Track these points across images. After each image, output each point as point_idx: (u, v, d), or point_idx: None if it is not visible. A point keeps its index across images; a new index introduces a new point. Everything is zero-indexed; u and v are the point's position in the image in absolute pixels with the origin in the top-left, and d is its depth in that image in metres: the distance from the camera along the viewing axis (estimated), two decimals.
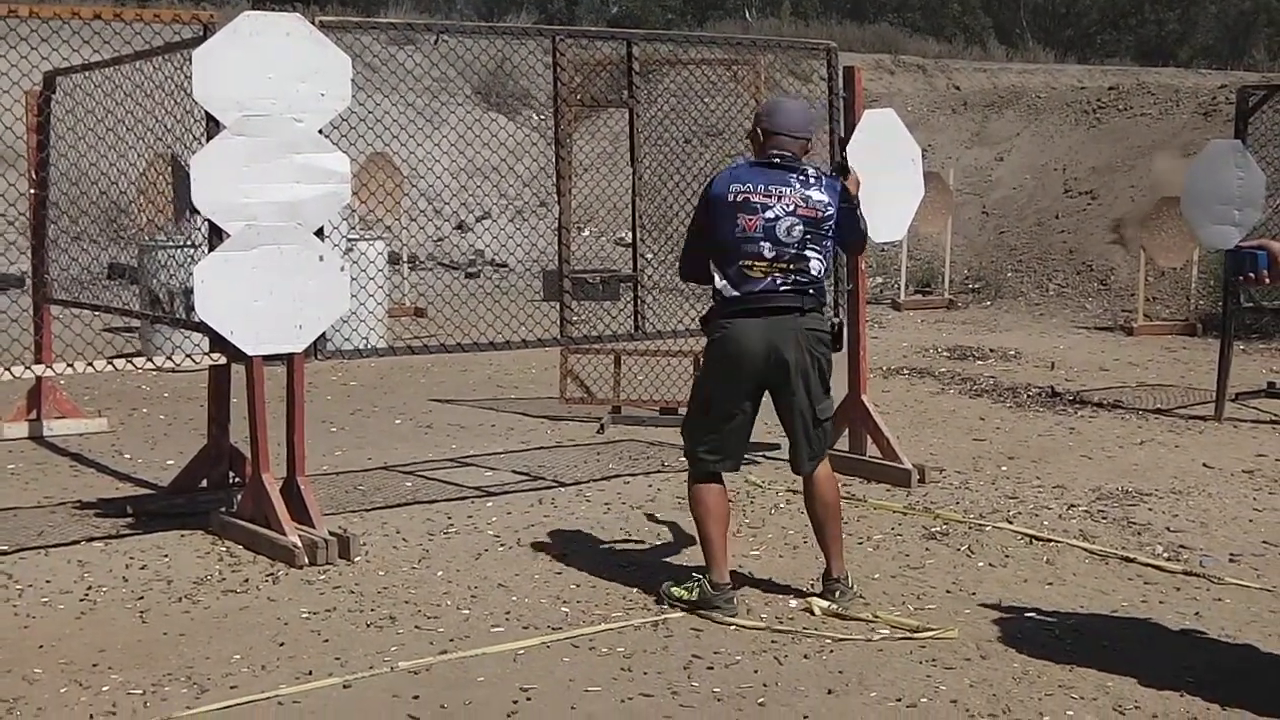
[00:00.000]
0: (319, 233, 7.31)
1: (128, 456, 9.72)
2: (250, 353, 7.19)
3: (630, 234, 9.15)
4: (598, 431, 10.51)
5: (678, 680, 5.49)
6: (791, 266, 6.30)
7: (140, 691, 5.39)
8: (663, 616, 6.21)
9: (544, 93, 27.05)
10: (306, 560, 6.96)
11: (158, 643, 5.94)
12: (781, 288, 6.29)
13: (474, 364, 13.52)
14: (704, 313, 6.54)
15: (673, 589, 6.42)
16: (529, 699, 5.30)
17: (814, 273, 6.37)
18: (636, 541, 7.52)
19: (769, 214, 6.27)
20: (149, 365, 7.50)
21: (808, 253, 6.32)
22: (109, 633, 6.07)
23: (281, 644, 5.90)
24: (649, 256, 9.43)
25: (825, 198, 6.38)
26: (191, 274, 8.11)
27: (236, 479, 8.14)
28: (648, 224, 9.39)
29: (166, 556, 7.18)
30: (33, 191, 9.96)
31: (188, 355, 7.46)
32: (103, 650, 5.83)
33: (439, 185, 19.91)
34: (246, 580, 6.79)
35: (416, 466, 9.24)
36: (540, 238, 20.99)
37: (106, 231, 10.37)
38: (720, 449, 6.44)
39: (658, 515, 7.99)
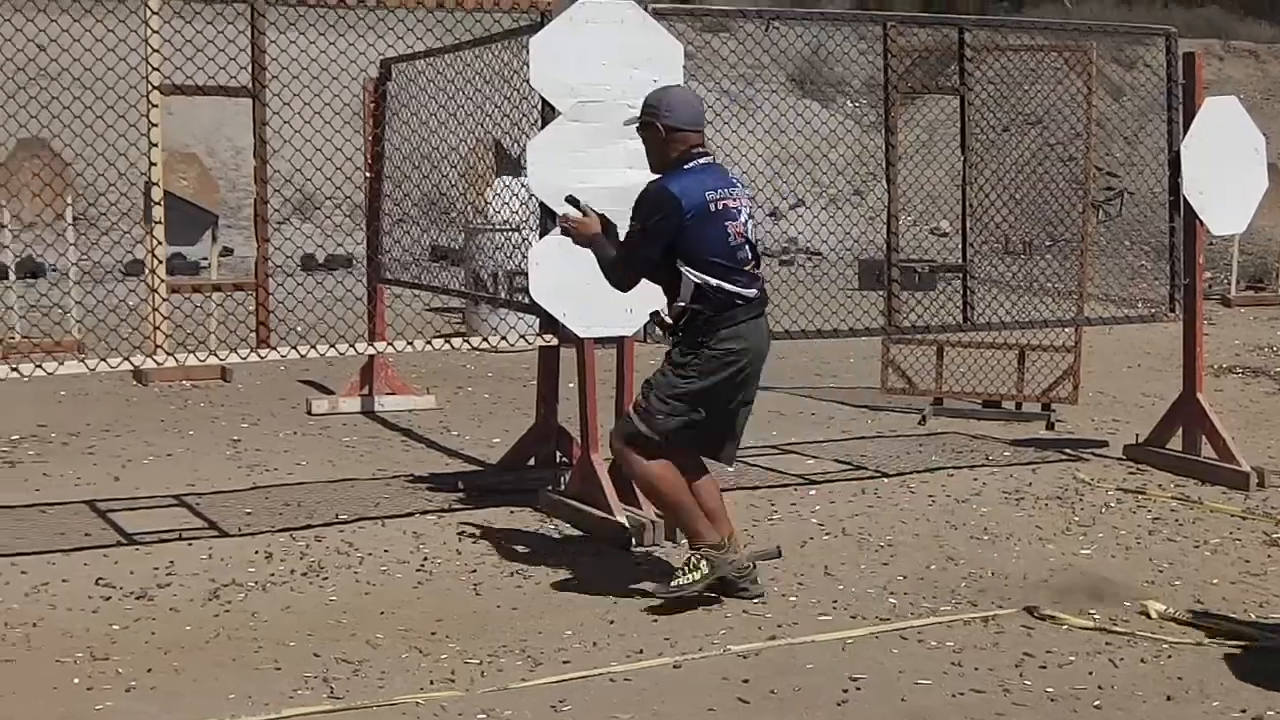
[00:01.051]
0: None
1: (455, 433, 9.99)
2: (582, 335, 7.31)
3: (949, 224, 9.03)
4: (919, 423, 10.41)
5: (1009, 678, 5.39)
6: (759, 267, 6.39)
7: (477, 661, 5.53)
8: (993, 613, 6.09)
9: (858, 79, 26.88)
10: (633, 540, 7.05)
11: (491, 614, 6.10)
12: (762, 288, 6.35)
13: (791, 351, 13.41)
14: (678, 313, 6.21)
15: (675, 581, 6.21)
16: (859, 689, 5.27)
17: (760, 268, 6.45)
18: (961, 536, 7.40)
19: (742, 218, 6.25)
20: (483, 345, 7.66)
21: (757, 250, 6.39)
22: (445, 602, 6.26)
23: (611, 621, 5.98)
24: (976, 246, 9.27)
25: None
26: (513, 257, 8.32)
27: (563, 458, 8.28)
28: (956, 213, 9.23)
29: (497, 532, 7.35)
30: (368, 176, 10.30)
31: (521, 336, 7.61)
32: (440, 619, 6.02)
33: (752, 172, 19.94)
34: (576, 558, 6.91)
35: (738, 451, 9.24)
36: (854, 226, 20.90)
37: (429, 214, 10.67)
38: (692, 440, 6.33)
39: (982, 510, 7.85)
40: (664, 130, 6.22)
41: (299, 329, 8.05)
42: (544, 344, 7.75)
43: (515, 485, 8.14)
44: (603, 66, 7.18)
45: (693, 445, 6.36)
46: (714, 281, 6.12)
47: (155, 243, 6.78)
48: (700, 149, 6.27)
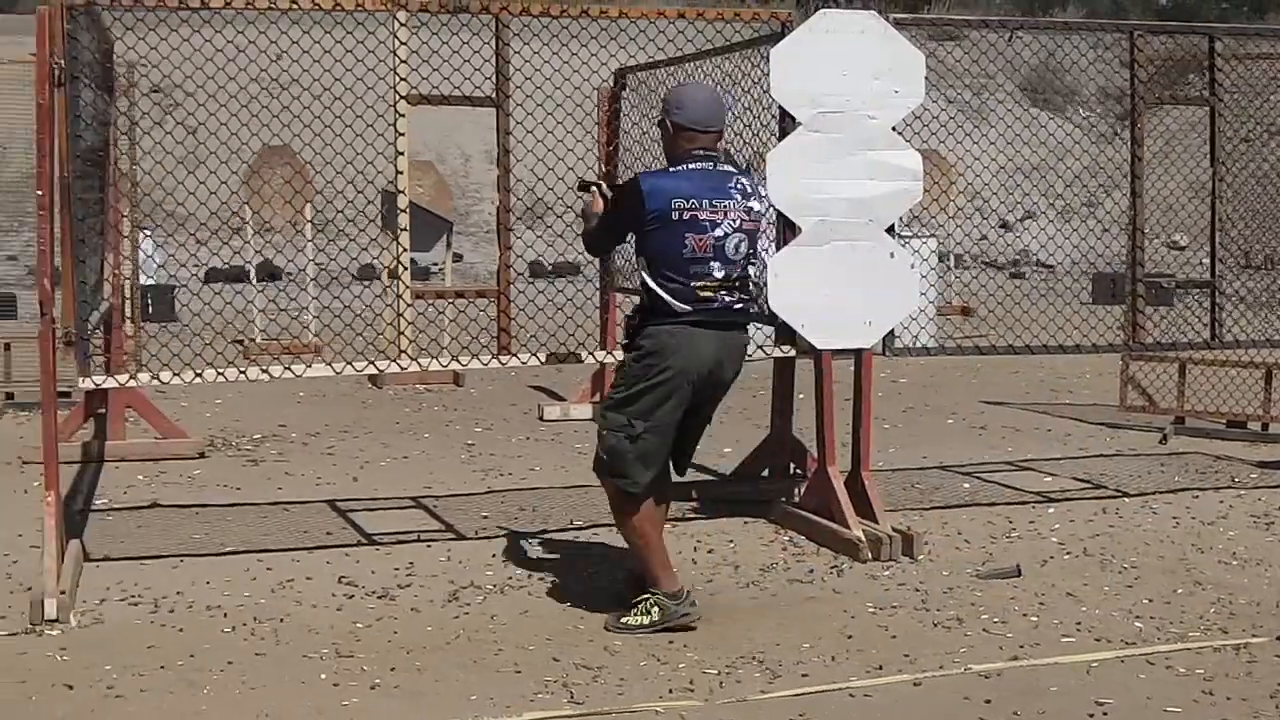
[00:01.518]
0: (889, 229, 7.32)
1: None
2: (820, 347, 7.28)
3: (1186, 237, 8.78)
4: (1160, 442, 10.15)
5: (1264, 709, 5.20)
6: (738, 284, 6.05)
7: (714, 671, 5.53)
8: (1245, 641, 5.90)
9: (1090, 89, 26.39)
10: (870, 555, 7.00)
11: (727, 625, 6.08)
12: (732, 305, 6.04)
13: (1024, 366, 13.30)
14: (631, 314, 6.14)
15: (625, 619, 6.03)
16: (1105, 714, 5.14)
17: (753, 287, 6.21)
18: (1208, 560, 7.19)
19: (718, 232, 5.94)
20: None
21: (749, 268, 6.10)
22: None
23: (850, 636, 5.94)
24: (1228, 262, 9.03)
25: (761, 206, 6.17)
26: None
27: (798, 470, 8.25)
28: (1194, 226, 8.99)
29: (732, 542, 7.36)
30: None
31: (759, 346, 7.60)
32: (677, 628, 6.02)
33: (980, 183, 19.70)
34: (811, 571, 6.88)
35: (973, 467, 9.16)
36: (1083, 239, 20.49)
37: None
38: (651, 466, 6.11)
39: (1229, 534, 7.62)
40: (672, 127, 6.06)
41: (536, 336, 8.14)
42: (780, 355, 7.72)
43: (749, 496, 8.12)
44: (843, 77, 7.13)
45: (650, 468, 6.10)
46: (654, 286, 5.94)
47: (401, 249, 6.91)
48: (704, 149, 6.01)
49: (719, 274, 5.94)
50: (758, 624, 6.10)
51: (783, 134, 7.39)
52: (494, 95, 7.18)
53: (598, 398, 10.88)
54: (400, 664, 5.60)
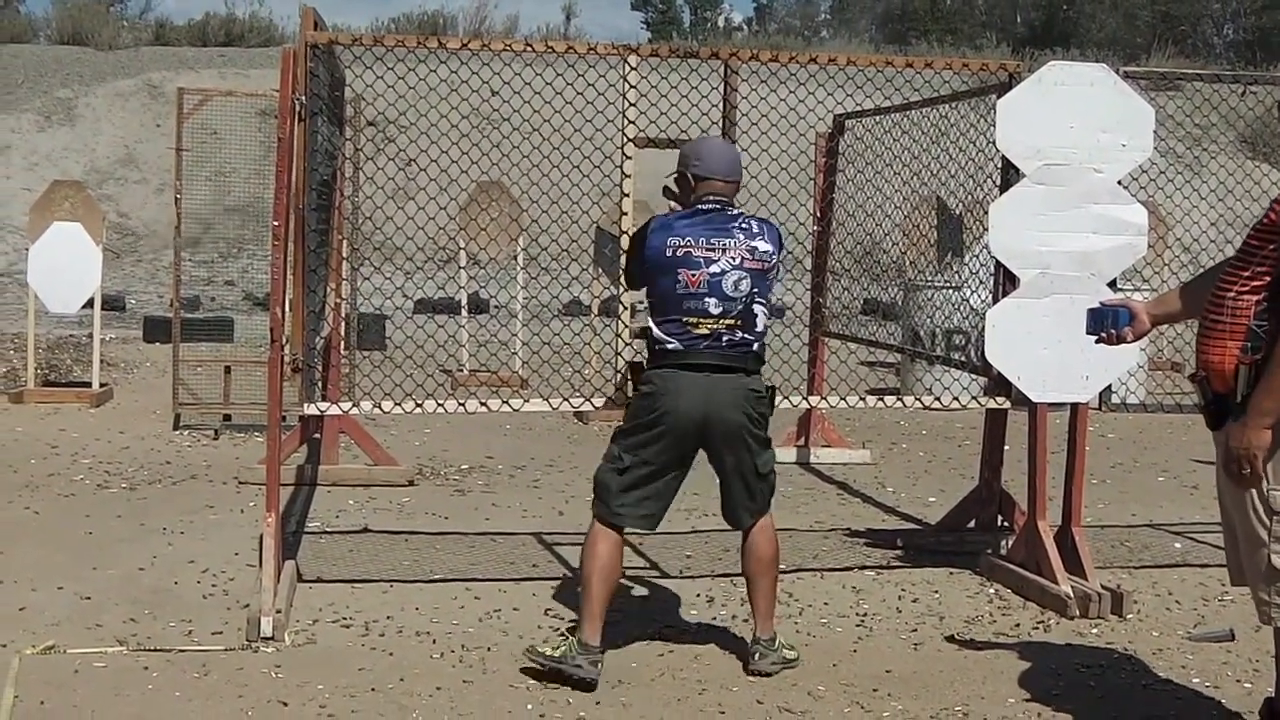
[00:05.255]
0: (1110, 284, 7.23)
1: (890, 489, 9.98)
2: (1036, 399, 7.21)
3: None
4: None
5: None
6: (738, 323, 5.89)
7: None
8: None
9: None
10: (1078, 612, 6.89)
11: (933, 676, 6.04)
12: (727, 345, 5.87)
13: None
14: (634, 359, 6.12)
15: (537, 646, 5.96)
16: None
17: (759, 328, 5.96)
18: None
19: (714, 269, 5.84)
20: (933, 404, 7.63)
21: (755, 307, 5.93)
22: (885, 660, 6.24)
23: (1056, 694, 5.85)
24: None
25: (770, 247, 5.96)
26: (951, 315, 8.26)
27: (1005, 523, 8.15)
28: None
29: (937, 593, 7.30)
30: (816, 229, 10.39)
31: (974, 397, 7.55)
32: (880, 677, 6.01)
33: (1192, 236, 19.30)
34: (1017, 625, 6.80)
35: (1184, 527, 8.96)
36: None
37: (861, 266, 10.68)
38: (630, 501, 6.00)
39: None
40: (693, 180, 6.05)
41: None
42: (993, 406, 7.66)
43: (955, 547, 8.05)
44: (1070, 130, 7.07)
45: (634, 504, 6.04)
46: (652, 326, 5.96)
47: (622, 289, 7.00)
48: (715, 195, 6.00)
49: (715, 310, 5.87)
50: (962, 676, 6.04)
51: (1005, 185, 7.34)
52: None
53: (802, 441, 10.90)
54: (605, 700, 5.66)
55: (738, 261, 5.89)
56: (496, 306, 18.58)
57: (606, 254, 12.63)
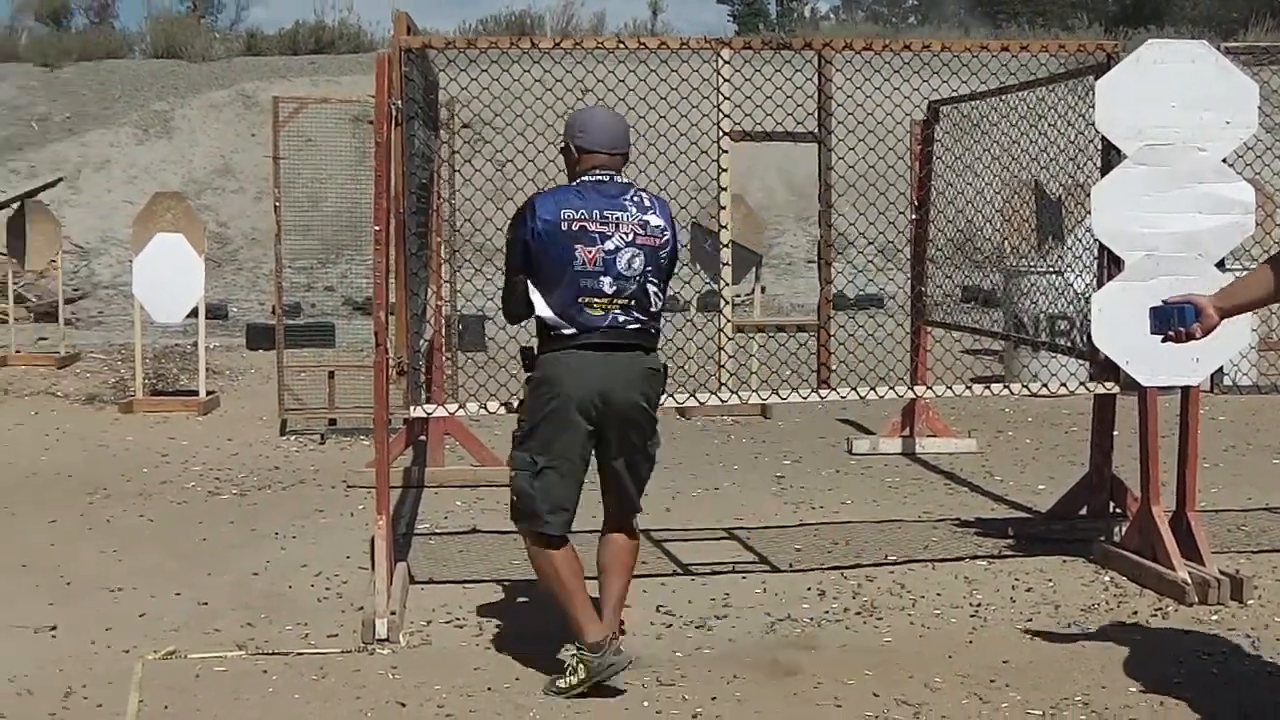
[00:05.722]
0: (1219, 264, 7.13)
1: (998, 478, 9.90)
2: (1145, 383, 7.12)
3: None
4: None
5: None
6: (633, 302, 5.67)
7: (1039, 712, 5.45)
8: None
9: None
10: (1196, 599, 6.80)
11: (1049, 665, 5.98)
12: (625, 325, 5.65)
13: None
14: (526, 345, 5.82)
15: (557, 682, 5.68)
16: None
17: (654, 308, 5.72)
18: None
19: (609, 244, 5.61)
20: (1041, 390, 7.54)
21: (649, 286, 5.70)
22: (1001, 650, 6.19)
23: (1177, 682, 5.76)
24: None
25: (662, 222, 5.73)
26: (1055, 300, 8.17)
27: (1117, 509, 8.06)
28: None
29: (1050, 581, 7.23)
30: (914, 217, 10.32)
31: (1081, 383, 7.46)
32: (997, 667, 5.95)
33: None
34: (1135, 613, 6.71)
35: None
36: None
37: (961, 254, 10.59)
38: (558, 503, 5.79)
39: None
40: (576, 151, 5.80)
41: (851, 368, 8.11)
42: (1102, 391, 7.57)
43: (1066, 535, 7.96)
44: (1172, 108, 6.98)
45: (558, 507, 5.82)
46: (542, 309, 5.69)
47: (724, 284, 6.99)
48: (601, 169, 5.75)
49: (610, 289, 5.63)
50: (1081, 666, 5.97)
51: (1106, 167, 7.26)
52: (815, 131, 7.21)
53: (907, 432, 10.84)
54: (721, 694, 5.65)
55: (630, 238, 5.68)
56: None
57: (705, 249, 12.62)
